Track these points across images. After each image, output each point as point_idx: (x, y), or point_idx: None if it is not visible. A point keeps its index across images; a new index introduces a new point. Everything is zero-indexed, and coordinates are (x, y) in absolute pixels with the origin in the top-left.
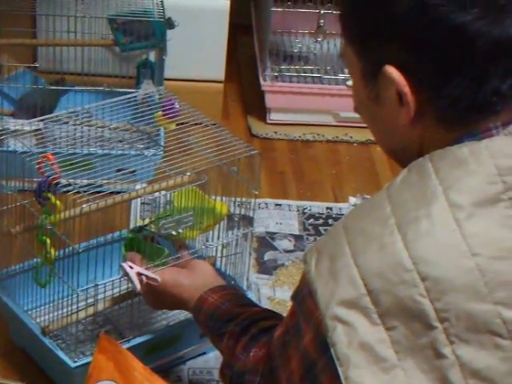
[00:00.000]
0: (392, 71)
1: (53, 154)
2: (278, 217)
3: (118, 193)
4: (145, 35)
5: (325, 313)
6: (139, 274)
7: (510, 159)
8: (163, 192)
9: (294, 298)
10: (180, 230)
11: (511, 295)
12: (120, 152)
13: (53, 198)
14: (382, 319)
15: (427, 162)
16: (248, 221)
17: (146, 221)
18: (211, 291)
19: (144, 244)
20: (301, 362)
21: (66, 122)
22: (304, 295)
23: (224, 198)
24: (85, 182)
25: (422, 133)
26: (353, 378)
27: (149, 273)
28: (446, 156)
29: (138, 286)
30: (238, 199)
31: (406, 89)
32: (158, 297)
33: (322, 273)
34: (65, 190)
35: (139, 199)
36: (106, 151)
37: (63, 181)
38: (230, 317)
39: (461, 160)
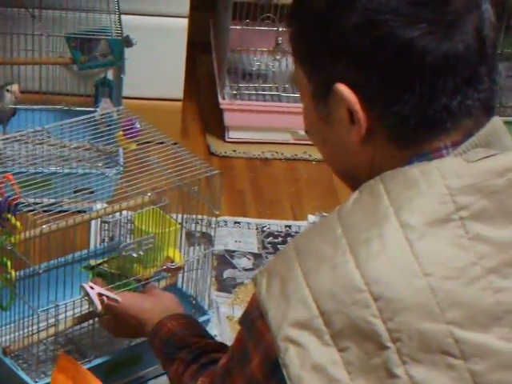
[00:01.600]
0: (342, 89)
1: (12, 174)
2: (237, 235)
3: (79, 212)
4: (103, 54)
5: (276, 334)
6: (100, 295)
7: (461, 179)
8: (124, 212)
9: (242, 322)
10: (141, 252)
11: (463, 315)
12: (80, 171)
13: (13, 219)
14: (334, 340)
15: (378, 184)
16: (208, 239)
17: (100, 260)
18: (171, 318)
19: (111, 275)
20: None
21: (26, 142)
22: (254, 318)
23: (184, 216)
24: (45, 201)
25: (372, 153)
26: None
27: (109, 293)
28: (397, 177)
29: (99, 307)
30: (199, 216)
31: (357, 106)
32: (117, 320)
33: (273, 294)
34: (25, 210)
35: (99, 219)
36: (66, 170)
37: (23, 201)
38: (184, 344)
39: (412, 181)
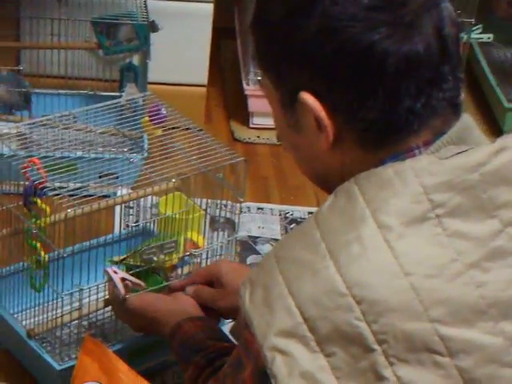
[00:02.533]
0: (307, 97)
1: (39, 158)
2: (260, 221)
3: (103, 197)
4: (128, 38)
5: (262, 344)
6: (123, 279)
7: (435, 177)
8: (149, 197)
9: (232, 332)
10: (162, 256)
11: (447, 312)
12: (105, 156)
13: (39, 202)
14: (320, 346)
15: (353, 186)
16: (232, 225)
17: (124, 255)
18: (189, 320)
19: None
20: None
21: (52, 126)
22: (241, 328)
23: (208, 201)
24: (70, 185)
25: (342, 157)
26: None
27: (133, 278)
28: (371, 178)
29: (123, 291)
30: (223, 202)
31: (322, 114)
32: (136, 317)
33: (256, 304)
34: (51, 194)
35: (123, 204)
36: (91, 155)
37: (49, 185)
38: (200, 348)
39: (386, 181)
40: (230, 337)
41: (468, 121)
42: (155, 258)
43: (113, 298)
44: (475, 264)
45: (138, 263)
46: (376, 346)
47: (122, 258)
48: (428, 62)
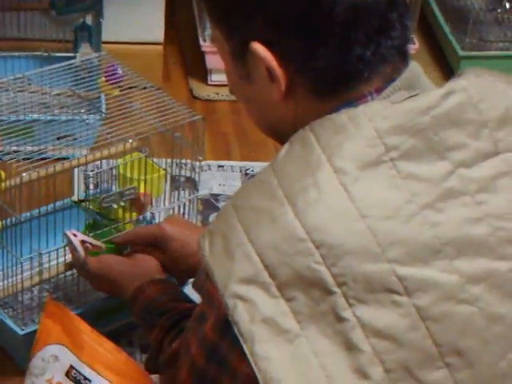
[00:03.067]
0: (258, 47)
1: None
2: (221, 178)
3: (61, 159)
4: None
5: (223, 292)
6: (83, 242)
7: (388, 121)
8: (109, 160)
9: (194, 285)
10: (122, 203)
11: (403, 252)
12: (62, 118)
13: None
14: (281, 291)
15: (308, 133)
16: (192, 183)
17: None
18: (150, 283)
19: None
20: (201, 348)
21: (6, 89)
22: (202, 280)
23: (168, 160)
24: (27, 149)
25: (295, 107)
26: (258, 352)
27: (93, 240)
28: (325, 124)
29: (82, 253)
30: (183, 161)
31: (274, 63)
32: (96, 280)
33: (216, 253)
34: (7, 158)
35: (81, 167)
36: (48, 117)
37: (5, 149)
38: (164, 310)
39: (340, 126)
40: (192, 296)
41: (416, 67)
42: (115, 206)
43: (74, 261)
44: (429, 205)
45: (97, 210)
46: (336, 289)
47: (81, 199)
48: (375, 10)
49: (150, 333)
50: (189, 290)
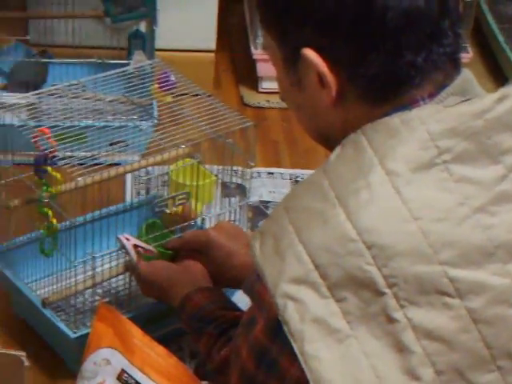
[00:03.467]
0: (309, 53)
1: (48, 128)
2: (270, 185)
3: (113, 165)
4: (135, 5)
5: (274, 292)
6: (136, 246)
7: (441, 124)
8: (161, 166)
9: (244, 288)
10: (174, 208)
11: (455, 254)
12: (115, 124)
13: (51, 170)
14: (331, 292)
15: (360, 136)
16: (243, 190)
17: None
18: (198, 291)
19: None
20: (251, 352)
21: (61, 96)
22: (253, 281)
23: (219, 167)
24: (80, 154)
25: (345, 114)
26: (308, 352)
27: (145, 244)
28: (378, 128)
29: (135, 258)
30: (233, 168)
31: (325, 69)
32: (146, 285)
33: (267, 254)
34: (62, 163)
35: (134, 173)
36: (101, 123)
37: (59, 154)
38: (212, 318)
39: (393, 130)
40: (239, 304)
41: (468, 74)
42: (167, 210)
43: (128, 265)
44: (482, 208)
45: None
46: (386, 290)
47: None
48: (428, 16)
49: (199, 340)
50: (236, 299)
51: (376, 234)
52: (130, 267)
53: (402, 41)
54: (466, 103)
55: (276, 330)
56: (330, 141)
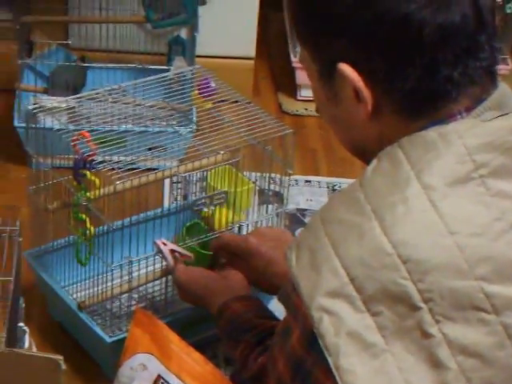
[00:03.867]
0: (345, 68)
1: (88, 132)
2: (308, 193)
3: (152, 169)
4: (176, 12)
5: (310, 305)
6: (173, 251)
7: (478, 138)
8: (198, 171)
9: (280, 298)
10: (212, 207)
11: (492, 269)
12: (154, 129)
13: (89, 175)
14: (366, 306)
15: (397, 149)
16: (280, 198)
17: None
18: (236, 299)
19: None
20: (287, 363)
21: (101, 100)
22: (289, 292)
23: (257, 174)
24: (119, 158)
25: (381, 127)
26: (343, 366)
27: (182, 250)
28: (415, 141)
29: (172, 263)
30: (271, 175)
31: (361, 84)
32: (183, 291)
33: (303, 266)
34: (100, 167)
35: (173, 178)
36: (140, 128)
37: (99, 158)
38: (249, 327)
39: (430, 143)
40: (276, 312)
41: (506, 88)
42: (205, 209)
43: (165, 270)
44: None
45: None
46: (422, 304)
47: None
48: (464, 31)
49: (236, 348)
50: (273, 306)
51: (411, 248)
52: (166, 272)
53: (439, 56)
54: (503, 118)
55: (312, 341)
56: (365, 153)
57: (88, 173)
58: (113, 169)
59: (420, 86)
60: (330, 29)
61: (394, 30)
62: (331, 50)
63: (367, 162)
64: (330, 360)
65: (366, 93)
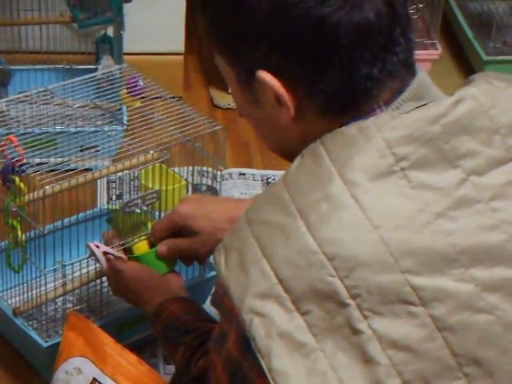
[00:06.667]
0: (264, 76)
1: (16, 135)
2: (242, 186)
3: (86, 170)
4: (102, 10)
5: (240, 308)
6: (106, 253)
7: (397, 131)
8: (131, 171)
9: (212, 302)
10: (144, 208)
11: (417, 262)
12: (85, 130)
13: (17, 181)
14: (296, 305)
15: (319, 146)
16: (214, 192)
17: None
18: (173, 300)
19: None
20: (225, 367)
21: (30, 102)
22: (221, 296)
23: (189, 168)
24: (51, 161)
25: (305, 127)
26: (276, 367)
27: (115, 252)
28: (335, 138)
29: (105, 265)
30: (204, 168)
31: (281, 90)
32: (120, 285)
33: (232, 269)
34: (30, 171)
35: (104, 178)
36: (71, 129)
37: (28, 162)
38: (189, 329)
39: (350, 139)
40: (212, 314)
41: (424, 78)
42: (138, 210)
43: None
44: (442, 213)
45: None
46: (350, 301)
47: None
48: (379, 28)
49: (175, 351)
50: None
51: (337, 245)
52: (100, 274)
53: (357, 55)
54: (422, 108)
55: (246, 345)
56: (290, 154)
57: (17, 178)
58: (43, 172)
59: (341, 87)
60: (245, 37)
61: (309, 35)
62: (248, 57)
63: (292, 161)
64: (262, 362)
65: (287, 98)
